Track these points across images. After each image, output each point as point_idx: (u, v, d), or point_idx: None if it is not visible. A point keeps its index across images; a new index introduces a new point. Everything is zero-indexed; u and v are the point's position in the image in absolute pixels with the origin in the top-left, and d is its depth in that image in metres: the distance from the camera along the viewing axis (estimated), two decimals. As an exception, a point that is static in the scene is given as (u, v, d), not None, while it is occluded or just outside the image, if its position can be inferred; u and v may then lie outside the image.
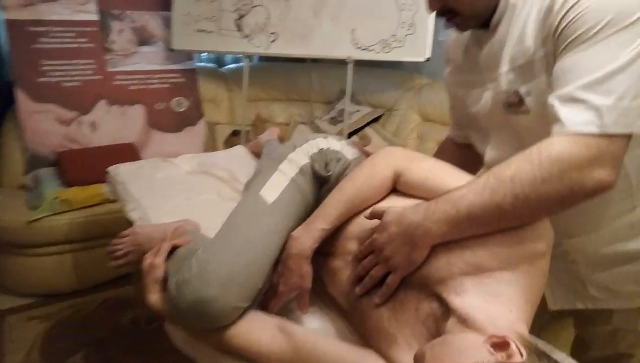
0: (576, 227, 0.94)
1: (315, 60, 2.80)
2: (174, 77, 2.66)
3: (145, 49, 2.58)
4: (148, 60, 2.58)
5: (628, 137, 0.71)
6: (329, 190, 1.03)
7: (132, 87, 2.54)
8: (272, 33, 2.41)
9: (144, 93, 2.57)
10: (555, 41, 0.76)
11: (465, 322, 0.68)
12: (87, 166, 2.25)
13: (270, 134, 1.98)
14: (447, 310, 0.72)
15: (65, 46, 2.36)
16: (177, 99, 2.66)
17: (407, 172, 0.90)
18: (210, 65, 3.07)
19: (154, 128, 2.60)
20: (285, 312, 0.96)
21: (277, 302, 0.93)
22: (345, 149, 1.09)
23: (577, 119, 0.70)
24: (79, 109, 2.40)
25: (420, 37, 2.25)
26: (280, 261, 0.94)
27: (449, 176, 0.87)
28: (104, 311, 2.09)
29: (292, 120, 2.83)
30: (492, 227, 0.73)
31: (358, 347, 0.84)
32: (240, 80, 2.83)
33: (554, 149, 0.70)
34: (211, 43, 2.50)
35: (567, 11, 0.74)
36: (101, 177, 1.91)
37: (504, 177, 0.72)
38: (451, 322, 0.70)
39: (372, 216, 0.87)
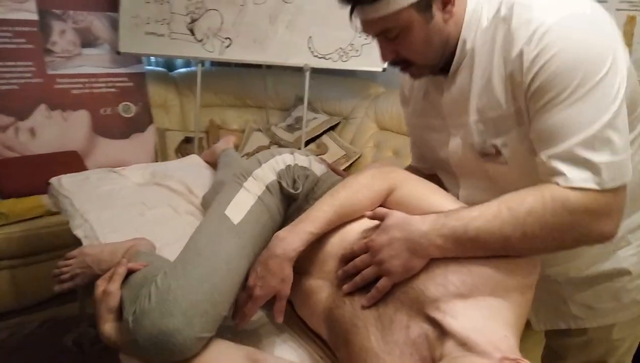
0: (558, 258, 0.95)
1: (269, 66, 2.75)
2: (121, 81, 2.53)
3: (89, 51, 2.44)
4: (93, 63, 2.45)
5: (626, 186, 0.75)
6: (298, 209, 1.00)
7: (75, 91, 2.40)
8: (227, 38, 2.34)
9: (88, 97, 2.44)
10: (529, 99, 0.77)
11: (466, 345, 0.67)
12: (26, 176, 2.10)
13: (225, 143, 1.91)
14: (441, 333, 0.70)
15: (1, 47, 2.20)
16: (124, 103, 2.54)
17: (401, 188, 0.89)
18: (160, 69, 2.96)
19: (99, 134, 2.46)
20: (252, 339, 0.91)
21: (252, 307, 0.87)
22: (313, 164, 1.05)
23: (579, 176, 0.72)
24: (17, 114, 2.24)
25: (377, 46, 2.24)
26: (258, 262, 0.88)
27: (441, 199, 0.87)
28: (45, 332, 1.95)
29: (247, 126, 2.77)
30: (492, 253, 0.75)
31: None
32: (191, 85, 2.75)
33: (568, 199, 0.72)
34: (161, 47, 2.40)
35: (537, 72, 0.73)
36: (41, 188, 1.79)
37: (516, 212, 0.73)
38: (450, 346, 0.68)
39: (374, 216, 0.85)
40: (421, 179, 0.93)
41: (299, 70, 2.36)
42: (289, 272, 0.86)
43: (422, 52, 0.86)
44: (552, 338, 1.14)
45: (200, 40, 2.36)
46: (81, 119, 2.42)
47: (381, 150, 2.40)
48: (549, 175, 0.75)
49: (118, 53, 2.43)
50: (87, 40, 2.43)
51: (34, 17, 2.27)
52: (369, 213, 0.87)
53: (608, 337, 1.03)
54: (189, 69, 2.97)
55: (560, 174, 0.73)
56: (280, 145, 2.59)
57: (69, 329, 1.95)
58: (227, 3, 2.32)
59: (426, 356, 0.71)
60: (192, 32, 2.36)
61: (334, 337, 0.84)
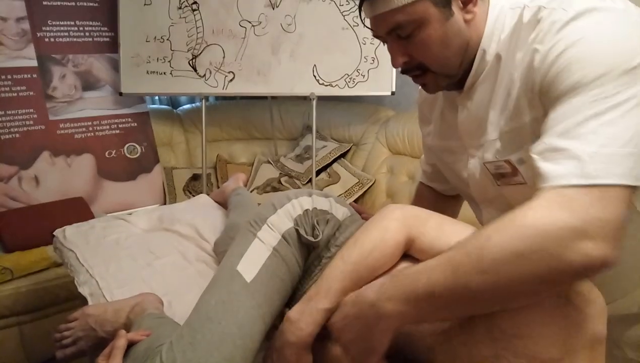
0: (613, 293, 0.85)
1: (275, 96, 2.70)
2: (124, 122, 2.49)
3: (91, 94, 2.40)
4: (95, 105, 2.40)
5: (624, 192, 0.57)
6: (319, 257, 0.90)
7: (78, 136, 2.35)
8: (229, 72, 2.29)
9: (92, 141, 2.39)
10: (542, 102, 0.67)
11: None
12: (30, 227, 2.03)
13: (235, 182, 1.83)
14: None
15: (1, 96, 2.16)
16: (129, 145, 2.49)
17: (422, 236, 0.77)
18: (164, 106, 2.91)
19: (105, 178, 2.41)
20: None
21: None
22: (335, 207, 0.95)
23: (556, 171, 0.58)
24: (19, 163, 2.19)
25: (384, 70, 2.18)
26: (273, 349, 0.79)
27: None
28: (57, 390, 1.85)
29: (255, 159, 2.70)
30: (464, 310, 0.62)
31: None
32: (196, 121, 2.70)
33: (529, 215, 0.57)
34: (164, 85, 2.35)
35: (549, 68, 0.65)
36: (46, 239, 1.71)
37: (470, 250, 0.59)
38: None
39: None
40: (435, 214, 0.81)
41: (304, 98, 2.30)
42: (307, 359, 0.77)
43: (439, 55, 0.77)
44: None
45: (203, 76, 2.31)
46: (86, 163, 2.36)
47: (395, 175, 2.31)
48: (535, 182, 0.62)
49: (120, 94, 2.38)
50: (88, 83, 2.39)
51: (34, 63, 2.24)
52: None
53: None
54: (193, 105, 2.92)
55: (538, 176, 0.60)
56: (290, 177, 2.51)
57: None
58: (228, 36, 2.28)
59: None
60: (194, 68, 2.32)
61: None
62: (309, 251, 0.91)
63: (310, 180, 2.40)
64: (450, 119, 0.89)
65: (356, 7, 0.81)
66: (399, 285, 0.65)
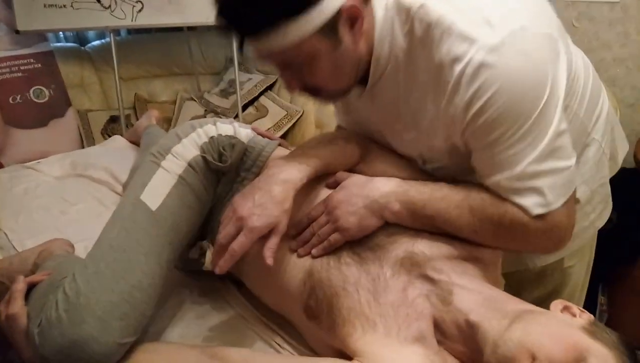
0: None
1: (192, 28, 2.54)
2: (26, 63, 2.26)
3: (-17, 33, 2.15)
4: (-10, 46, 2.17)
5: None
6: (230, 182, 0.90)
7: (-26, 81, 2.13)
8: (137, 1, 2.11)
9: (-8, 86, 2.17)
10: (467, 137, 0.74)
11: (497, 302, 0.71)
12: None
13: (148, 119, 1.74)
14: (449, 294, 0.73)
15: None
16: (35, 88, 2.28)
17: (374, 161, 0.87)
18: (70, 44, 2.67)
19: (13, 126, 2.21)
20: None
21: (245, 242, 0.71)
22: (239, 131, 0.94)
23: (528, 203, 0.72)
24: None
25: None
26: (255, 188, 0.75)
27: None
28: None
29: (178, 96, 2.57)
30: (442, 232, 0.78)
31: (310, 356, 0.79)
32: (108, 58, 2.49)
33: (526, 225, 0.73)
34: (65, 20, 2.13)
35: (476, 113, 0.69)
36: (-49, 196, 1.59)
37: (475, 215, 0.75)
38: (476, 303, 0.70)
39: (336, 181, 0.84)
40: (394, 153, 0.88)
41: (224, 28, 2.18)
42: (291, 203, 0.76)
43: (333, 79, 0.76)
44: (507, 275, 1.12)
45: (108, 7, 2.11)
46: (-12, 111, 2.16)
47: (324, 107, 2.28)
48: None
49: (17, 32, 2.15)
50: (-22, 22, 2.14)
51: None
52: (329, 180, 0.84)
53: (560, 266, 1.04)
54: (103, 41, 2.70)
55: (512, 200, 0.73)
56: (216, 113, 2.43)
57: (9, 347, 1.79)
58: (132, -39, 2.08)
59: (426, 315, 0.72)
60: (97, -1, 2.11)
61: (313, 303, 0.77)
62: (218, 178, 0.90)
63: (237, 116, 2.34)
64: (358, 108, 0.90)
65: None
66: (412, 197, 0.77)
